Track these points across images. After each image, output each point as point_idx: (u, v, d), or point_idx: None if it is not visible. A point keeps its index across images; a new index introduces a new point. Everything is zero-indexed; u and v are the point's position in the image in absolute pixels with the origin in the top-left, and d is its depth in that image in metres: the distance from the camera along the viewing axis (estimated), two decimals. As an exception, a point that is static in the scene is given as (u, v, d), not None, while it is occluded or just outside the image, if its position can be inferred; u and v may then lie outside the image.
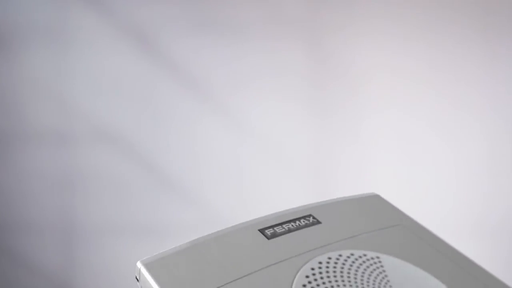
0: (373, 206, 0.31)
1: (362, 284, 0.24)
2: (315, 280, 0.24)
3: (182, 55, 0.77)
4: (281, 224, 0.27)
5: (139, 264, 0.24)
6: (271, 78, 0.77)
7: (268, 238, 0.26)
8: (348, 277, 0.24)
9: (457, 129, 0.80)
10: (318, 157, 0.80)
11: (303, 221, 0.28)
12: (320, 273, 0.24)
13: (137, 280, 0.25)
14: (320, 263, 0.25)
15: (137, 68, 0.77)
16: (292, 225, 0.27)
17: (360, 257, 0.26)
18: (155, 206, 0.84)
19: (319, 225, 0.28)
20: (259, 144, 0.78)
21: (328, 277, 0.24)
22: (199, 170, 0.80)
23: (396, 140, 0.79)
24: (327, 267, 0.25)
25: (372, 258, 0.26)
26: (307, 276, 0.24)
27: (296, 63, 0.77)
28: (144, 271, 0.24)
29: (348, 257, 0.26)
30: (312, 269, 0.25)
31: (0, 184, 0.85)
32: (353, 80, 0.78)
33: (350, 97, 0.79)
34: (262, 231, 0.27)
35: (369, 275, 0.25)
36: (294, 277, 0.24)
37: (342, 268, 0.25)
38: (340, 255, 0.26)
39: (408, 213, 0.31)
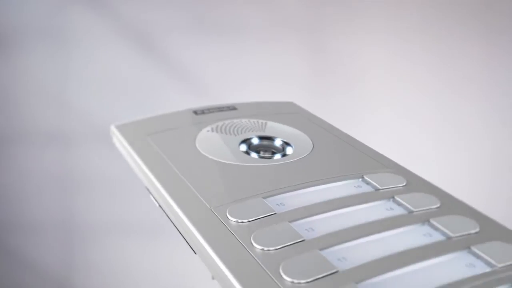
0: (285, 106, 0.44)
1: (245, 133, 0.37)
2: (217, 128, 0.38)
3: (182, 55, 0.79)
4: (209, 109, 0.41)
5: (112, 127, 0.39)
6: (270, 77, 0.81)
7: (197, 114, 0.40)
8: (238, 129, 0.38)
9: (456, 130, 0.83)
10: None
11: (226, 108, 0.41)
12: (222, 127, 0.38)
13: (112, 138, 0.39)
14: (224, 122, 0.38)
15: (137, 68, 0.78)
16: (217, 109, 0.41)
17: (253, 122, 0.39)
18: (155, 206, 0.85)
19: (236, 110, 0.41)
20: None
21: (225, 128, 0.38)
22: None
23: (394, 139, 0.83)
24: (227, 125, 0.38)
25: (261, 122, 0.39)
26: (212, 127, 0.38)
27: (295, 62, 0.81)
28: (115, 130, 0.39)
29: (244, 121, 0.39)
30: (217, 125, 0.38)
31: (0, 184, 0.84)
32: (351, 78, 0.83)
33: (348, 96, 0.83)
34: (194, 111, 0.41)
35: (251, 129, 0.38)
36: (204, 127, 0.38)
37: (237, 125, 0.38)
38: (240, 120, 0.39)
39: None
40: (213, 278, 0.29)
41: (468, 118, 0.83)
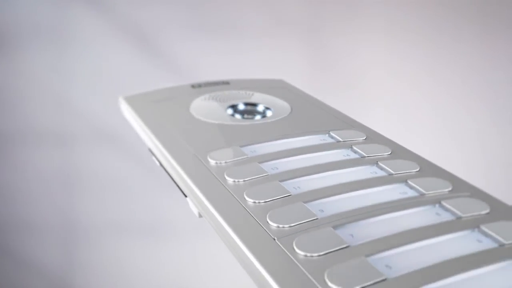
0: (274, 82, 0.49)
1: (233, 100, 0.43)
2: (209, 98, 0.43)
3: (181, 55, 0.79)
4: (205, 83, 0.47)
5: (120, 98, 0.45)
6: (268, 74, 0.81)
7: (194, 88, 0.46)
8: (227, 98, 0.43)
9: (453, 129, 0.85)
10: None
11: (220, 82, 0.47)
12: (214, 96, 0.44)
13: (120, 107, 0.45)
14: (216, 93, 0.44)
15: (137, 68, 0.78)
16: (212, 84, 0.47)
17: (242, 93, 0.44)
18: (155, 206, 0.83)
19: (228, 84, 0.47)
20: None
21: (217, 97, 0.43)
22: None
23: (391, 138, 0.83)
24: (219, 95, 0.44)
25: (249, 93, 0.44)
26: (205, 97, 0.43)
27: (293, 60, 0.82)
28: (122, 100, 0.45)
29: (234, 92, 0.44)
30: (210, 95, 0.44)
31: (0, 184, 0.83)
32: (350, 77, 0.84)
33: (347, 95, 0.84)
34: (192, 85, 0.46)
35: (238, 98, 0.43)
36: (198, 97, 0.43)
37: (226, 95, 0.44)
38: (231, 92, 0.45)
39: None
40: (199, 216, 0.35)
41: (466, 117, 0.86)
